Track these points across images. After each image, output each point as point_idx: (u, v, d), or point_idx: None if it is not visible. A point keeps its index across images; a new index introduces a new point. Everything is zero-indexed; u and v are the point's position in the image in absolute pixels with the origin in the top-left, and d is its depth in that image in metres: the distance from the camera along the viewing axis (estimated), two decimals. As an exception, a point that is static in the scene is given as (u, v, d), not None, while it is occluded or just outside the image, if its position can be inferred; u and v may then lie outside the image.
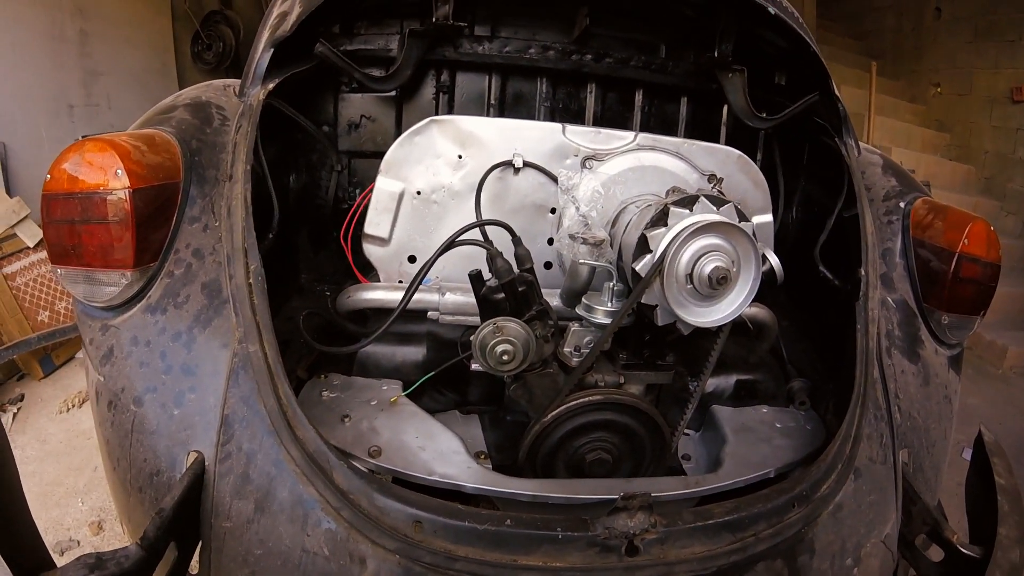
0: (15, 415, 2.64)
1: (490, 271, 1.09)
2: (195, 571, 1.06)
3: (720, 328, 1.17)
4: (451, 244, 1.06)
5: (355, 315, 1.31)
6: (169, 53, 4.74)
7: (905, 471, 1.23)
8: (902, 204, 1.46)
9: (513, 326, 1.03)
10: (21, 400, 2.76)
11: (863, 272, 1.31)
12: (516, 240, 1.10)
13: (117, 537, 1.98)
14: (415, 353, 1.24)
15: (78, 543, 1.96)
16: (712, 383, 1.32)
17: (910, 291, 1.38)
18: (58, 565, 0.86)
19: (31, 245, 2.93)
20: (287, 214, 1.34)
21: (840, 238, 1.46)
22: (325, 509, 0.94)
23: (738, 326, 1.29)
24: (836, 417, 1.32)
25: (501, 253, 1.06)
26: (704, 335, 1.34)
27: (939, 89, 5.47)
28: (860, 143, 1.53)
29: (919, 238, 1.41)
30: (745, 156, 1.38)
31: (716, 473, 1.13)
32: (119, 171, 1.16)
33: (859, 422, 1.19)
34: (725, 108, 1.55)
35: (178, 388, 1.09)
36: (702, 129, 1.57)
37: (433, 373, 1.20)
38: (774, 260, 1.27)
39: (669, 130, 1.53)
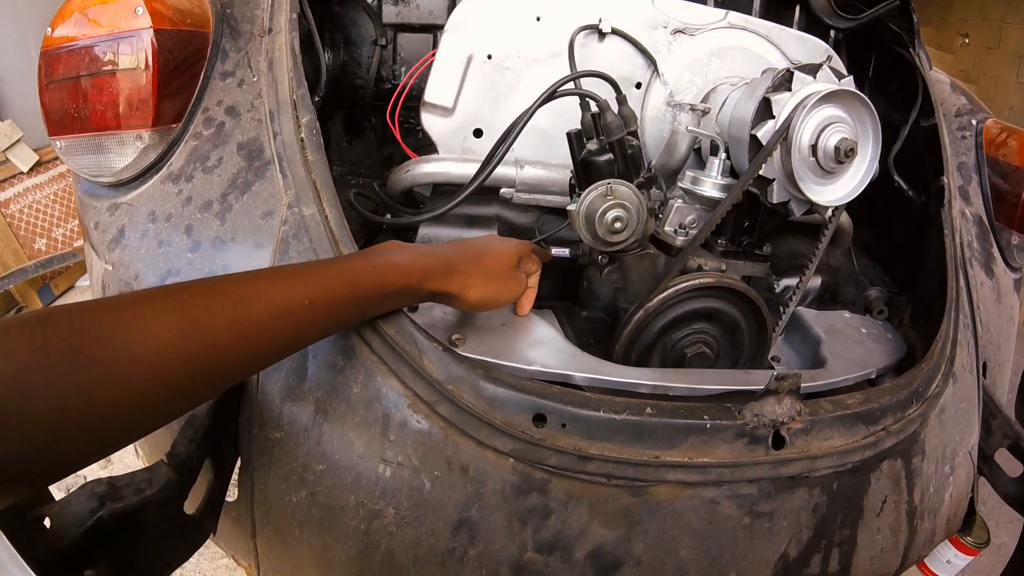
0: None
1: (587, 133, 0.81)
2: (233, 499, 0.77)
3: (830, 218, 0.93)
4: (553, 94, 0.77)
5: (405, 200, 1.02)
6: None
7: (985, 383, 1.06)
8: (974, 121, 1.29)
9: (626, 190, 0.77)
10: (19, 332, 2.36)
11: (946, 180, 1.10)
12: (621, 98, 0.83)
13: (128, 469, 1.64)
14: (483, 239, 0.96)
15: (84, 477, 1.62)
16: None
17: (983, 206, 1.21)
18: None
19: (25, 170, 2.53)
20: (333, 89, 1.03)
21: (911, 151, 1.24)
22: (414, 406, 0.66)
23: (815, 228, 1.07)
24: (913, 328, 1.12)
25: (610, 106, 0.77)
26: (791, 233, 1.11)
27: (967, 40, 5.11)
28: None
29: (992, 156, 1.24)
30: (832, 51, 1.13)
31: (827, 369, 0.90)
32: (139, 9, 0.86)
33: (955, 326, 0.98)
34: (798, 7, 1.29)
35: (209, 267, 0.80)
36: (773, 26, 1.31)
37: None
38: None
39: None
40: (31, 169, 2.52)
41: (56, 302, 2.53)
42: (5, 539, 0.44)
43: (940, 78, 1.38)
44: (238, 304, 0.49)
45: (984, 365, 1.07)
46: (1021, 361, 1.20)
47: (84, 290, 2.48)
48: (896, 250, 1.27)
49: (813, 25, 1.29)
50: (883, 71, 1.38)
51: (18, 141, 2.48)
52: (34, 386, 0.38)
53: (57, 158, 2.64)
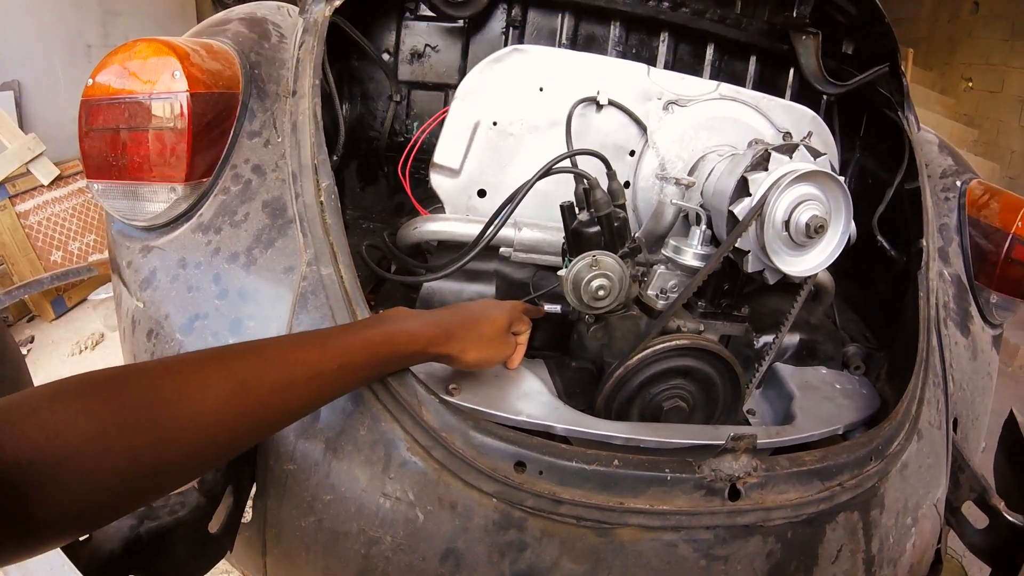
0: (25, 357, 2.39)
1: (579, 204, 0.94)
2: (247, 521, 0.89)
3: (804, 282, 1.05)
4: (548, 171, 0.90)
5: (412, 252, 1.15)
6: (190, -5, 4.41)
7: (955, 438, 1.16)
8: (958, 183, 1.39)
9: (610, 260, 0.89)
10: (31, 342, 2.52)
11: (925, 243, 1.21)
12: (611, 173, 0.95)
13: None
14: (483, 291, 1.09)
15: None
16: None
17: (963, 267, 1.31)
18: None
19: (45, 183, 2.68)
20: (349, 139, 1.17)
21: (895, 210, 1.36)
22: (412, 449, 0.78)
23: (797, 287, 1.18)
24: (889, 383, 1.23)
25: (599, 183, 0.90)
26: (774, 292, 1.23)
27: (970, 84, 5.26)
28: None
29: (974, 217, 1.34)
30: (819, 117, 1.25)
31: (793, 425, 1.01)
32: (177, 73, 0.98)
33: (923, 385, 1.09)
34: (792, 71, 1.41)
35: (234, 315, 0.92)
36: (767, 89, 1.44)
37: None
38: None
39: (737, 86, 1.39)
40: (52, 182, 2.68)
41: (68, 314, 2.68)
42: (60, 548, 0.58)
43: (928, 138, 1.48)
44: (282, 368, 0.60)
45: (955, 421, 1.17)
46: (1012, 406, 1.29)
47: (97, 304, 2.62)
48: (878, 306, 1.38)
49: (807, 88, 1.41)
50: (874, 131, 1.50)
51: (40, 155, 2.63)
52: (112, 441, 0.47)
53: (77, 173, 2.80)
